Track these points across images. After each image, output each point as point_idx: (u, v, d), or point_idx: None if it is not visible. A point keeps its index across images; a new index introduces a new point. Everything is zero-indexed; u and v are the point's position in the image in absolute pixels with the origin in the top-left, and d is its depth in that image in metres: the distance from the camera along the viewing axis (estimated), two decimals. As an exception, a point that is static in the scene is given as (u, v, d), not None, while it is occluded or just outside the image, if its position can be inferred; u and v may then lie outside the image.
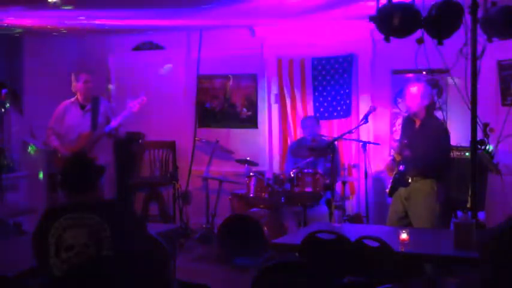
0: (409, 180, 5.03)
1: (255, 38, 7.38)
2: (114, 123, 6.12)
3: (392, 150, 5.20)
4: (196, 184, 7.53)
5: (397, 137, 5.68)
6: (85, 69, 6.28)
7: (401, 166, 5.08)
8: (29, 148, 7.51)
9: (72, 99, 6.21)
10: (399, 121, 6.47)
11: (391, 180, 5.21)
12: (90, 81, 6.15)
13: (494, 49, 4.21)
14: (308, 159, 6.28)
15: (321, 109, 7.07)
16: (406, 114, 5.37)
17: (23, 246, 3.49)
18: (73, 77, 6.14)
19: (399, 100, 6.67)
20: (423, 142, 4.96)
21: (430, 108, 5.16)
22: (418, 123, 5.11)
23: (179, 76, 7.87)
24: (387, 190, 5.28)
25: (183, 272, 5.52)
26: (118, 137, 6.52)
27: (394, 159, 5.27)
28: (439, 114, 5.78)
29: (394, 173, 5.21)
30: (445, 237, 4.24)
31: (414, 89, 5.08)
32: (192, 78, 7.74)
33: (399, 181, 5.10)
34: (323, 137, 6.63)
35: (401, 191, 5.11)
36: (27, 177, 7.51)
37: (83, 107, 6.17)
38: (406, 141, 5.03)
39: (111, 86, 8.16)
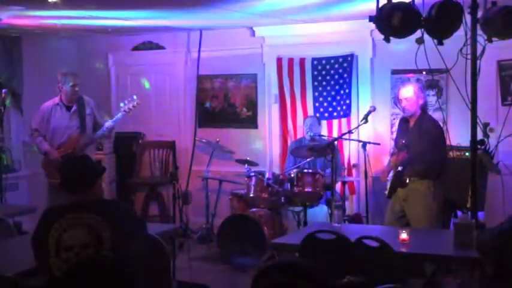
0: (407, 181, 5.03)
1: (255, 38, 7.38)
2: (107, 126, 6.05)
3: (391, 151, 5.17)
4: (196, 184, 7.53)
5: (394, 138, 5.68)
6: (72, 72, 6.15)
7: (399, 167, 5.07)
8: (29, 148, 7.51)
9: (56, 100, 6.08)
10: (396, 122, 6.49)
11: (389, 182, 5.20)
12: (77, 85, 6.05)
13: (494, 49, 4.20)
14: (308, 159, 6.28)
15: (321, 109, 7.06)
16: (402, 116, 5.37)
17: (23, 246, 3.49)
18: (60, 78, 6.01)
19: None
20: (419, 141, 4.96)
21: (425, 107, 5.17)
22: (412, 123, 5.12)
23: (179, 76, 7.88)
24: (386, 192, 5.28)
25: (183, 272, 5.53)
26: (109, 139, 6.49)
27: (389, 164, 5.28)
28: (439, 114, 5.79)
29: (390, 175, 5.20)
30: (445, 237, 4.24)
31: (408, 90, 5.10)
32: (192, 78, 7.74)
33: (397, 182, 5.10)
34: (323, 137, 6.63)
35: (399, 192, 5.11)
36: (27, 177, 7.52)
37: (68, 108, 6.06)
38: (404, 141, 5.02)
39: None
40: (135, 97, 6.22)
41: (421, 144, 4.94)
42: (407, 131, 5.13)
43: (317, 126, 6.61)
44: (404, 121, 5.26)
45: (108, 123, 6.05)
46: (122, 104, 6.21)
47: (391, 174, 5.19)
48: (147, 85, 7.94)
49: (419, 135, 5.00)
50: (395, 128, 6.59)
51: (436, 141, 5.02)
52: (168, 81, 7.94)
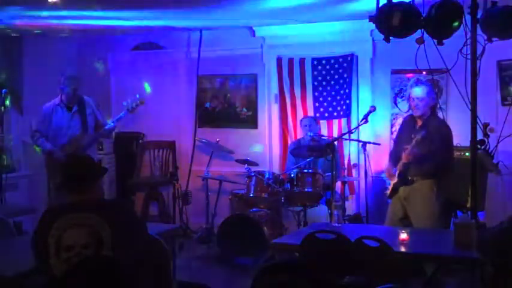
0: (409, 178, 5.01)
1: (255, 38, 7.38)
2: (109, 125, 6.12)
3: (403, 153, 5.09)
4: (196, 184, 7.53)
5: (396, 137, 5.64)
6: (74, 76, 6.29)
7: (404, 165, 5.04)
8: (30, 148, 7.51)
9: (56, 100, 6.18)
10: (399, 121, 6.48)
11: (393, 183, 5.17)
12: (78, 89, 6.17)
13: (494, 49, 4.20)
14: (308, 159, 6.28)
15: (321, 109, 7.06)
16: (408, 114, 5.35)
17: (23, 246, 3.49)
18: (62, 80, 6.13)
19: (399, 100, 6.67)
20: (427, 141, 4.94)
21: (435, 107, 5.17)
22: (419, 123, 5.10)
23: (179, 76, 7.87)
24: (388, 192, 5.26)
25: (183, 272, 5.52)
26: (110, 137, 6.52)
27: (390, 160, 5.25)
28: (439, 114, 5.79)
29: (394, 171, 5.17)
30: (445, 237, 4.25)
31: (421, 90, 5.06)
32: (192, 78, 7.74)
33: (402, 181, 5.08)
34: (323, 137, 6.63)
35: (401, 191, 5.09)
36: (27, 177, 7.52)
37: (69, 109, 6.16)
38: (424, 134, 4.87)
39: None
40: (138, 96, 6.26)
41: (431, 144, 4.92)
42: (414, 130, 5.07)
43: (315, 126, 6.61)
44: (410, 120, 5.23)
45: (111, 122, 6.11)
46: (124, 103, 6.26)
47: (395, 170, 5.15)
48: (148, 89, 7.93)
49: (427, 135, 4.96)
50: (395, 128, 6.60)
51: (446, 141, 5.01)
52: (168, 81, 7.93)
